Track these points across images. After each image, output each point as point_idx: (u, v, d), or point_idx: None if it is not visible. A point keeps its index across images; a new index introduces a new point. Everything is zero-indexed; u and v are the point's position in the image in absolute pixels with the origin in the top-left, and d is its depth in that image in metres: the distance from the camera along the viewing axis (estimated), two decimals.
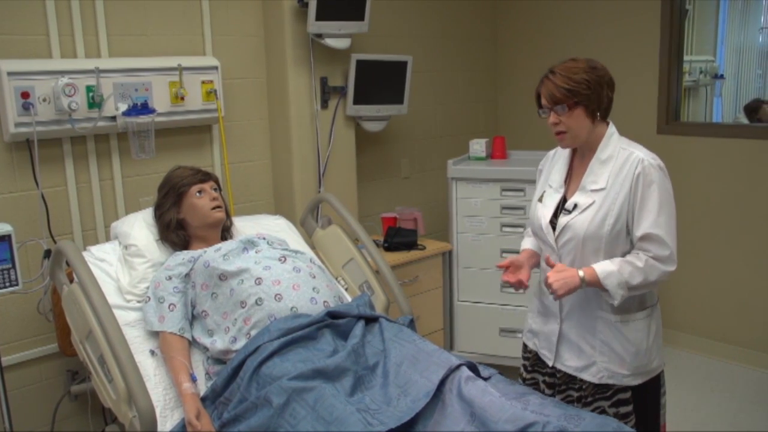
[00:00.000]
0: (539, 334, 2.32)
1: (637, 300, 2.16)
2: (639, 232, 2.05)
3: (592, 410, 2.18)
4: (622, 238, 2.10)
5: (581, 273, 2.06)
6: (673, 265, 2.06)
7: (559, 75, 2.09)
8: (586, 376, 2.18)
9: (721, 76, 4.49)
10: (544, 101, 2.13)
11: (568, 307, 2.21)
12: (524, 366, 2.40)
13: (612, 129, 2.18)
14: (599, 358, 2.15)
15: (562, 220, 2.16)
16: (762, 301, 3.86)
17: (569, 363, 2.22)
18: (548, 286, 2.08)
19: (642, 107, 4.14)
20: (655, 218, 2.04)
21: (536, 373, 2.36)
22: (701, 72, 4.45)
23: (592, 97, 2.09)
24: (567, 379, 2.25)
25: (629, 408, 2.18)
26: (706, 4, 4.40)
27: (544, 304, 2.30)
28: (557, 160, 2.32)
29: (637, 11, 4.11)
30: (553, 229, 2.19)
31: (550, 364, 2.27)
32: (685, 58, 4.14)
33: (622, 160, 2.10)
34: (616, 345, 2.14)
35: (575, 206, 2.14)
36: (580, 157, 2.24)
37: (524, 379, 2.40)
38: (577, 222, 2.12)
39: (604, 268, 2.05)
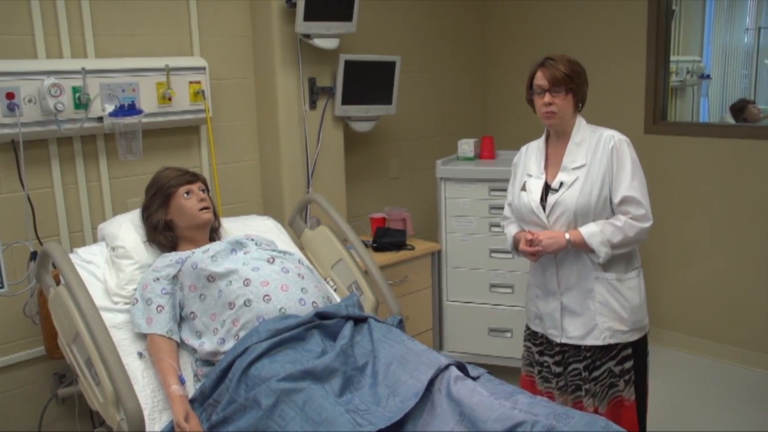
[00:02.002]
0: (544, 316, 2.55)
1: (625, 262, 2.44)
2: (617, 197, 2.35)
3: (601, 374, 2.46)
4: (608, 208, 2.39)
5: (567, 236, 2.37)
6: (649, 221, 2.37)
7: (559, 61, 2.37)
8: (591, 341, 2.44)
9: (708, 77, 4.52)
10: (542, 82, 2.38)
11: (565, 280, 2.47)
12: (539, 351, 2.62)
13: (581, 118, 2.48)
14: (599, 320, 2.42)
15: (551, 198, 2.42)
16: (750, 299, 3.88)
17: (573, 333, 2.47)
18: (538, 242, 2.38)
19: (629, 107, 4.16)
20: (629, 182, 2.34)
21: (545, 356, 2.58)
22: (688, 72, 4.47)
23: (581, 88, 2.42)
24: (573, 352, 2.49)
25: (631, 363, 2.46)
26: (693, 4, 4.43)
27: (543, 286, 2.55)
28: (531, 152, 2.59)
29: (623, 12, 4.13)
30: (544, 209, 2.44)
31: (558, 340, 2.51)
32: (672, 58, 4.16)
33: (596, 140, 2.41)
34: (614, 303, 2.42)
35: (561, 184, 2.41)
36: (555, 144, 2.51)
37: (539, 363, 2.61)
38: (566, 197, 2.39)
39: (588, 229, 2.36)
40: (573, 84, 2.37)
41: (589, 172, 2.37)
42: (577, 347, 2.48)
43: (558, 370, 2.54)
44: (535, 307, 2.60)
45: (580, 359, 2.48)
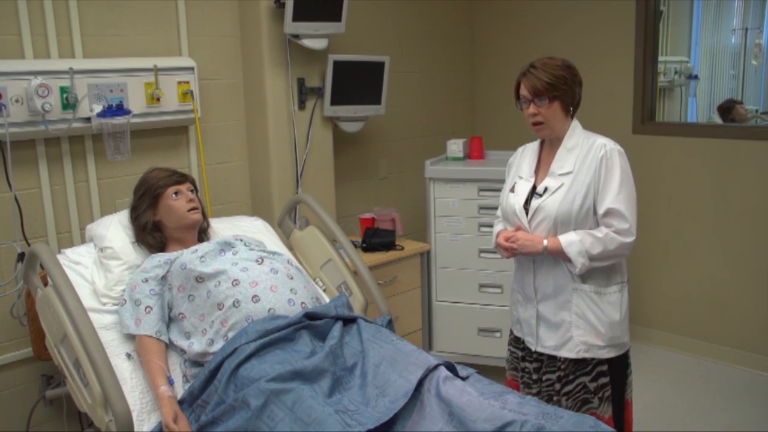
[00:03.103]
0: (522, 321, 2.51)
1: (605, 274, 2.36)
2: (602, 208, 2.27)
3: (574, 388, 2.38)
4: (591, 218, 2.31)
5: (545, 242, 2.31)
6: (631, 237, 2.28)
7: (540, 69, 2.30)
8: (565, 353, 2.37)
9: (696, 77, 4.54)
10: (525, 93, 2.33)
11: (542, 288, 2.41)
12: (522, 357, 2.55)
13: (576, 123, 2.40)
14: (575, 332, 2.35)
15: (534, 203, 2.36)
16: (735, 299, 3.91)
17: (548, 343, 2.41)
18: (515, 240, 2.34)
19: (618, 107, 4.18)
20: (615, 195, 2.26)
21: (526, 362, 2.53)
22: (676, 72, 4.49)
23: (568, 93, 2.32)
24: (548, 362, 2.43)
25: (607, 379, 2.38)
26: (680, 5, 4.45)
27: (522, 291, 2.50)
28: (526, 154, 2.53)
29: (612, 12, 4.15)
30: (527, 213, 2.38)
31: (533, 348, 2.45)
32: (660, 58, 4.18)
33: (587, 147, 2.33)
34: (591, 316, 2.34)
35: (546, 189, 2.35)
36: (548, 148, 2.44)
37: (522, 369, 2.55)
38: (549, 203, 2.32)
39: (567, 237, 2.29)
40: (556, 91, 2.29)
41: (575, 179, 2.31)
42: (553, 357, 2.41)
43: (537, 377, 2.48)
44: (516, 311, 2.56)
45: (554, 370, 2.41)
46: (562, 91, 2.30)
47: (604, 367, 2.37)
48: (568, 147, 2.35)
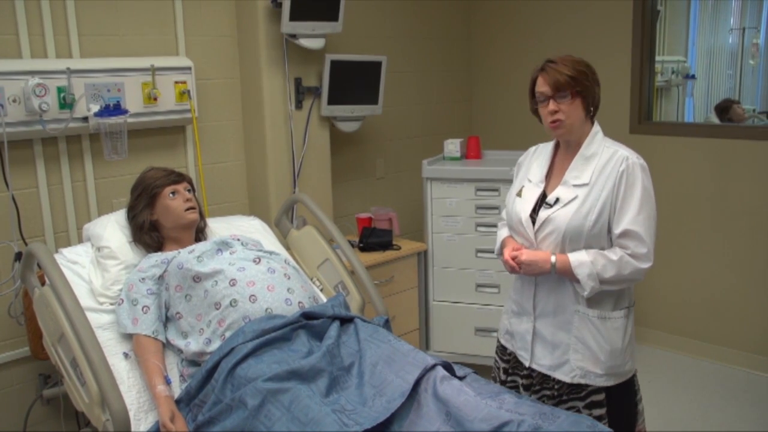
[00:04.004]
0: (515, 334, 2.33)
1: (614, 299, 2.16)
2: (618, 228, 2.07)
3: (566, 409, 2.16)
4: (604, 236, 2.11)
5: (553, 259, 2.10)
6: (648, 262, 2.09)
7: (561, 64, 2.12)
8: (560, 375, 2.19)
9: (693, 77, 4.55)
10: (544, 89, 2.12)
11: (542, 305, 2.22)
12: (504, 369, 2.39)
13: (597, 128, 2.20)
14: (573, 356, 2.16)
15: (543, 213, 2.15)
16: (734, 299, 3.91)
17: (543, 362, 2.23)
18: (519, 262, 2.14)
19: (615, 107, 4.18)
20: (635, 215, 2.06)
21: (515, 376, 2.36)
22: (673, 72, 4.50)
23: (590, 90, 2.13)
24: (542, 380, 2.26)
25: (602, 411, 2.18)
26: (678, 5, 4.45)
27: (519, 303, 2.31)
28: (538, 155, 2.32)
29: (609, 12, 4.15)
30: (533, 223, 2.18)
31: (527, 364, 2.27)
32: (657, 58, 4.19)
33: (607, 157, 2.12)
34: (591, 342, 2.14)
35: (557, 200, 2.14)
36: (564, 152, 2.24)
37: (503, 382, 2.39)
38: (559, 216, 2.11)
39: (578, 257, 2.08)
40: (579, 86, 2.09)
41: (591, 192, 2.09)
42: (546, 377, 2.23)
43: (526, 394, 2.29)
44: (508, 321, 2.37)
45: (549, 387, 2.24)
46: (585, 87, 2.11)
47: (599, 397, 2.17)
48: (586, 155, 2.15)
